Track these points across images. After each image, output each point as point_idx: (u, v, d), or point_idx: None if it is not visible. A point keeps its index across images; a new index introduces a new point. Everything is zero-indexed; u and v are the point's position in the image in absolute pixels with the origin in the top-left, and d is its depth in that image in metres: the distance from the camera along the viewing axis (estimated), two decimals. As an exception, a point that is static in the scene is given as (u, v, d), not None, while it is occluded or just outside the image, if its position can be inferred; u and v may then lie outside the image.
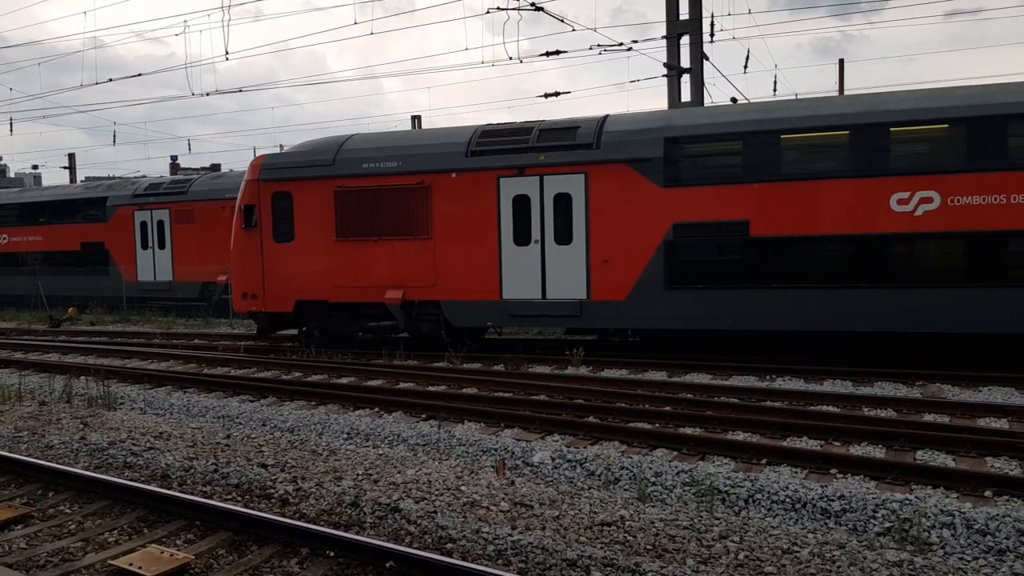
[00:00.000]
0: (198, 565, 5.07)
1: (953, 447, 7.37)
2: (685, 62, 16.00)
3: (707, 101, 15.97)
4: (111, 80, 23.26)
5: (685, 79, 15.94)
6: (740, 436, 8.05)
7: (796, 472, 6.89)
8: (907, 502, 5.94)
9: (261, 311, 15.06)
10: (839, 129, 11.58)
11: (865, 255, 11.41)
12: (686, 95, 15.93)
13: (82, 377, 12.49)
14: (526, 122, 13.79)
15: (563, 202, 12.86)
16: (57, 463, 7.35)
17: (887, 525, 5.76)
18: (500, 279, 13.30)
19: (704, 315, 12.15)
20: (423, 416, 9.39)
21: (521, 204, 13.13)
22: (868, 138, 11.33)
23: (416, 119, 29.30)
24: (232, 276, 15.63)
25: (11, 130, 38.77)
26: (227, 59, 20.11)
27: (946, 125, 11.21)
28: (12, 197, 28.34)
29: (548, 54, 16.31)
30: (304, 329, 15.10)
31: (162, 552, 5.13)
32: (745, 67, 18.55)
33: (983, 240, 10.85)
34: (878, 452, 7.44)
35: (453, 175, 13.44)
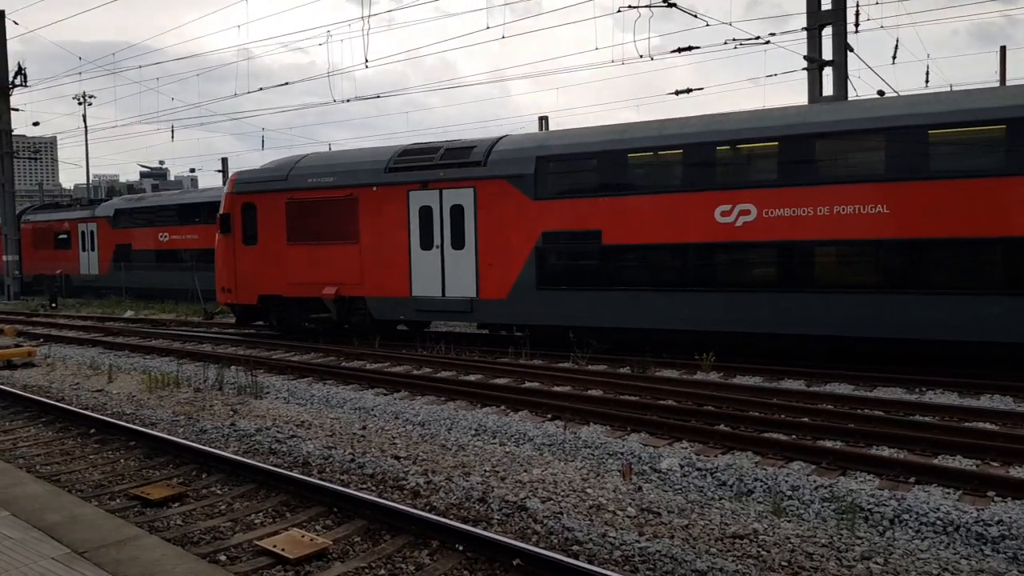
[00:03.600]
0: (335, 550, 5.32)
1: None
2: (827, 54, 15.10)
3: (851, 94, 15.03)
4: (261, 89, 24.90)
5: (827, 72, 15.06)
6: (885, 452, 7.49)
7: (948, 493, 6.33)
8: (1085, 534, 5.31)
9: (235, 303, 17.72)
10: (675, 148, 12.86)
11: (695, 261, 12.58)
12: (828, 89, 15.04)
13: (232, 367, 13.45)
14: (438, 142, 15.71)
15: (458, 212, 14.61)
16: (210, 447, 7.96)
17: (1059, 558, 5.17)
18: (410, 279, 15.20)
19: (567, 313, 13.67)
20: (548, 416, 9.39)
21: (426, 214, 14.97)
22: (698, 156, 12.56)
23: (543, 120, 29.40)
24: (216, 273, 18.14)
25: (172, 137, 42.63)
26: (367, 67, 21.06)
27: (763, 143, 12.19)
28: (171, 199, 31.02)
29: (680, 50, 15.88)
30: (268, 320, 17.86)
31: (303, 536, 5.42)
32: (894, 58, 17.25)
33: (793, 248, 11.82)
34: (1047, 476, 6.70)
35: (375, 189, 15.46)
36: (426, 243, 14.95)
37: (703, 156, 12.52)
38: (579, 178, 13.75)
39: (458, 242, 14.61)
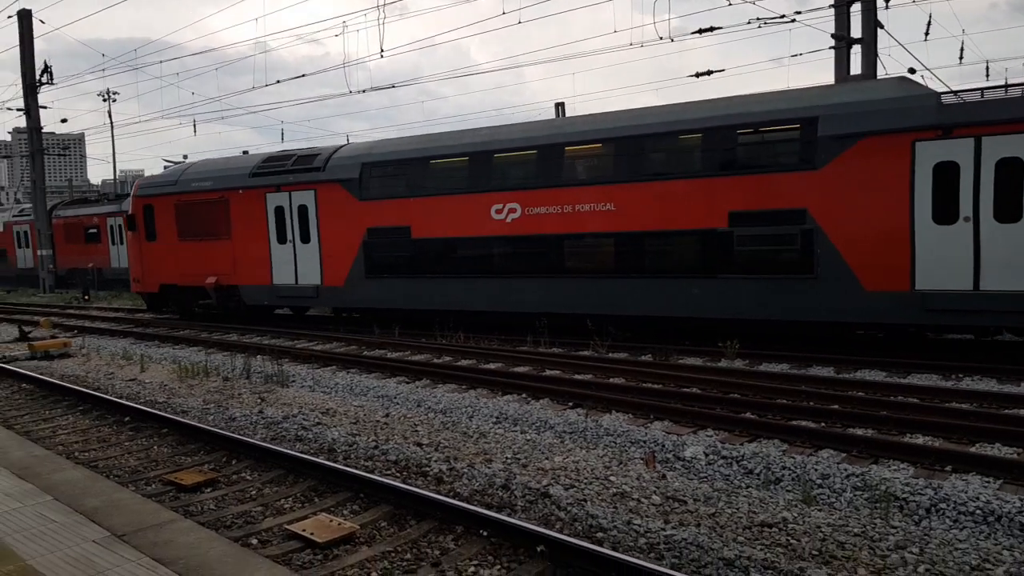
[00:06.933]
0: (363, 535, 5.35)
1: None
2: (856, 31, 14.72)
3: (880, 72, 14.66)
4: (279, 82, 24.95)
5: (856, 50, 14.69)
6: (920, 440, 7.35)
7: (988, 482, 6.17)
8: None
9: (143, 292, 20.74)
10: (461, 156, 14.92)
11: (478, 252, 14.66)
12: (856, 67, 14.68)
13: (258, 356, 13.60)
14: (293, 150, 18.33)
15: (304, 212, 16.87)
16: (239, 434, 8.05)
17: (1104, 548, 5.03)
18: (271, 269, 17.58)
19: (388, 298, 15.95)
20: (569, 404, 9.35)
21: (280, 213, 17.24)
22: (479, 162, 14.58)
23: (560, 106, 29.14)
24: (129, 266, 21.12)
25: (195, 131, 42.98)
26: (382, 56, 21.03)
27: (526, 151, 14.19)
28: None
29: (701, 31, 15.63)
30: (169, 306, 20.68)
31: (331, 520, 5.46)
32: (926, 34, 16.75)
33: (547, 241, 13.82)
34: (1090, 465, 6.52)
35: (241, 191, 17.78)
36: (281, 238, 17.29)
37: (482, 162, 14.59)
38: (393, 181, 15.74)
39: (306, 237, 16.89)
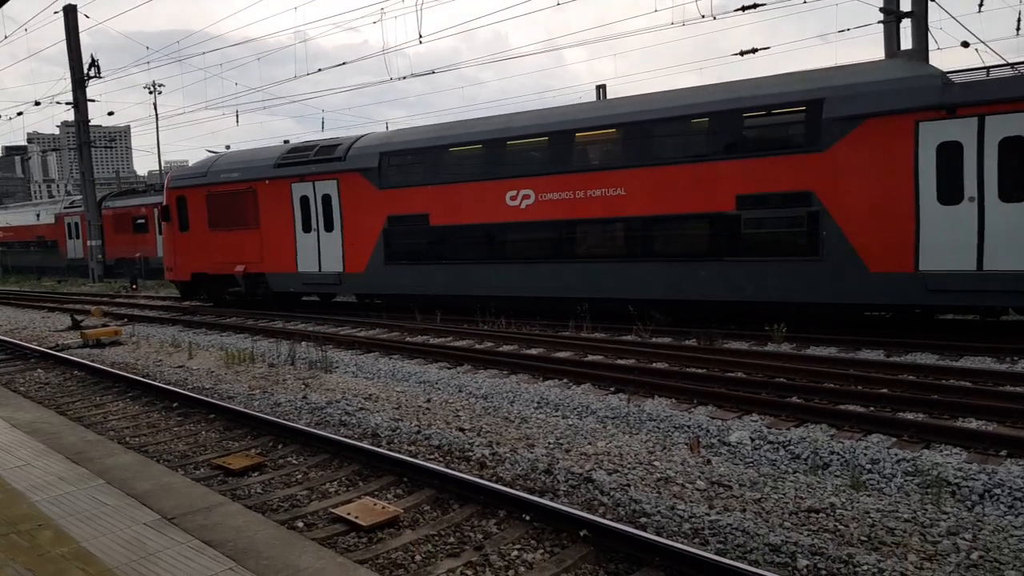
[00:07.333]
0: (406, 518, 5.40)
1: None
2: (905, 5, 14.24)
3: (932, 47, 14.16)
4: (320, 70, 25.17)
5: (906, 24, 14.20)
6: (973, 424, 7.14)
7: (1046, 468, 5.97)
8: None
9: (176, 280, 21.30)
10: (476, 144, 15.10)
11: (494, 238, 14.85)
12: (907, 41, 14.20)
13: (303, 343, 13.81)
14: (314, 141, 18.66)
15: (327, 200, 17.31)
16: (284, 419, 8.18)
17: None
18: (296, 257, 18.07)
19: (408, 284, 16.21)
20: (611, 389, 9.30)
21: (305, 202, 17.73)
22: (493, 149, 14.79)
23: (601, 89, 28.88)
24: (163, 255, 21.93)
25: (237, 121, 43.63)
26: (420, 42, 21.02)
27: (538, 138, 14.34)
28: None
29: (744, 9, 15.28)
30: (200, 294, 21.30)
31: (375, 504, 5.52)
32: (980, 5, 16.07)
33: (559, 226, 13.99)
34: None
35: (267, 182, 18.29)
36: (306, 227, 17.79)
37: (496, 150, 14.74)
38: (411, 170, 16.03)
39: (329, 225, 17.34)
